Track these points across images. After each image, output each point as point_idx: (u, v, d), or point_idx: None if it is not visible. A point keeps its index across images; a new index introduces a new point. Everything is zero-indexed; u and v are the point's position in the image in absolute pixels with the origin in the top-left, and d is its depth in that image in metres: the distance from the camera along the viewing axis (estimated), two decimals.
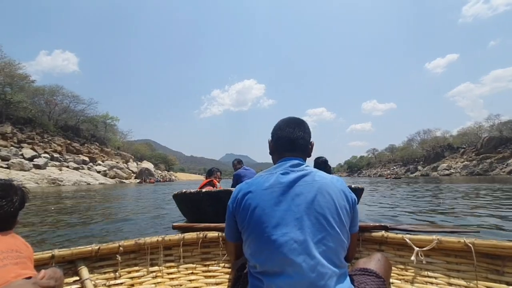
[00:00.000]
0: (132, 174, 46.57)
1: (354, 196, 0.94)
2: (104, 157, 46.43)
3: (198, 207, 3.62)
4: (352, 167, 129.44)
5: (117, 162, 45.71)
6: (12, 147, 26.93)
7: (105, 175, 38.66)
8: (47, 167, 27.85)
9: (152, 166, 56.34)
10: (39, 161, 27.39)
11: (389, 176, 56.09)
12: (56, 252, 1.20)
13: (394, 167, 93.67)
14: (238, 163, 5.17)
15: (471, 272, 1.13)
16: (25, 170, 24.18)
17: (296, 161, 0.96)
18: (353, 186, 4.09)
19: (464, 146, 69.88)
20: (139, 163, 55.99)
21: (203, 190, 3.53)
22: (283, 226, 0.82)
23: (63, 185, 24.69)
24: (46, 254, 1.18)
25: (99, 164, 41.17)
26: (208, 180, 4.21)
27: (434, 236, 1.22)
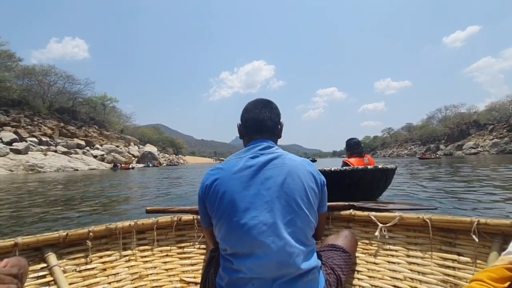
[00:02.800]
0: (133, 158, 43.98)
1: (323, 178, 0.96)
2: (103, 140, 43.81)
3: None
4: (366, 148, 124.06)
5: (117, 146, 43.02)
6: None
7: (102, 159, 36.07)
8: (29, 152, 25.16)
9: (156, 149, 53.49)
10: (19, 145, 24.72)
11: (425, 155, 45.73)
12: (20, 239, 1.15)
13: (412, 146, 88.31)
14: None
15: (427, 244, 1.22)
16: (0, 156, 21.42)
17: (265, 144, 0.96)
18: (381, 166, 3.56)
19: (492, 122, 63.58)
20: (141, 146, 53.17)
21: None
22: (253, 210, 0.83)
23: (44, 171, 21.89)
24: (9, 242, 1.13)
25: (97, 148, 38.59)
26: None
27: (396, 213, 1.31)
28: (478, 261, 1.08)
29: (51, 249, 1.23)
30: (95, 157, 35.38)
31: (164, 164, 48.58)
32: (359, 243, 1.36)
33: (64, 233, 1.25)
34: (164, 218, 1.52)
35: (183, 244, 1.54)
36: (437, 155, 44.25)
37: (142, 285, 1.32)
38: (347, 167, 3.56)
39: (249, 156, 0.92)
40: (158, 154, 59.08)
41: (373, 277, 1.26)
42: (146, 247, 1.46)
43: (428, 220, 1.21)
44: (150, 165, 39.74)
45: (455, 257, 1.14)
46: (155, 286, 1.34)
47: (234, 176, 0.88)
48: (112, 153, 38.38)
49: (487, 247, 1.08)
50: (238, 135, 1.07)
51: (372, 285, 1.24)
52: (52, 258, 1.20)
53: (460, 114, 72.92)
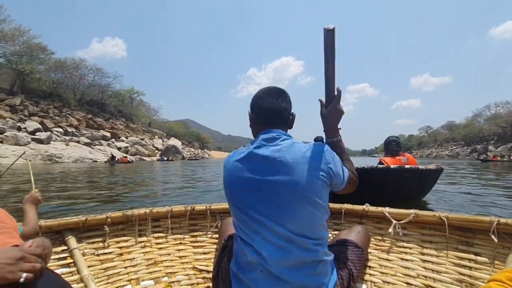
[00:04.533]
0: (157, 151, 43.91)
1: (328, 158, 0.88)
2: (128, 133, 44.27)
3: None
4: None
5: (141, 139, 43.21)
6: (10, 119, 24.47)
7: (126, 151, 36.11)
8: (51, 142, 25.25)
9: (180, 143, 53.27)
10: (42, 135, 24.82)
11: (496, 157, 31.60)
12: (43, 222, 1.20)
13: (454, 147, 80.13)
14: None
15: (443, 243, 1.20)
16: (20, 145, 21.50)
17: (273, 134, 0.92)
18: (428, 167, 3.39)
19: None
20: (165, 140, 53.28)
21: None
22: (253, 203, 0.85)
23: (61, 162, 21.61)
24: None
25: (122, 140, 38.83)
26: None
27: (411, 210, 1.28)
28: (497, 262, 1.05)
29: (71, 233, 1.28)
30: (119, 149, 35.47)
31: (179, 158, 47.96)
32: (372, 239, 1.33)
33: (84, 218, 1.30)
34: (178, 207, 1.55)
35: (196, 233, 1.56)
36: (510, 157, 32.13)
37: (157, 271, 1.34)
38: (368, 165, 3.36)
39: (253, 146, 0.91)
40: (183, 148, 59.35)
41: (386, 273, 1.23)
42: (161, 234, 1.50)
43: (444, 219, 1.18)
44: (165, 159, 38.59)
45: (472, 256, 1.11)
46: (169, 273, 1.35)
47: (235, 165, 0.90)
48: (136, 146, 38.38)
49: (507, 248, 1.05)
50: (249, 125, 1.03)
51: (384, 281, 1.21)
52: (72, 241, 1.26)
53: None
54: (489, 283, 0.66)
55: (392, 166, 3.31)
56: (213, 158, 74.50)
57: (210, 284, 1.27)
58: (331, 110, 1.04)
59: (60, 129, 29.94)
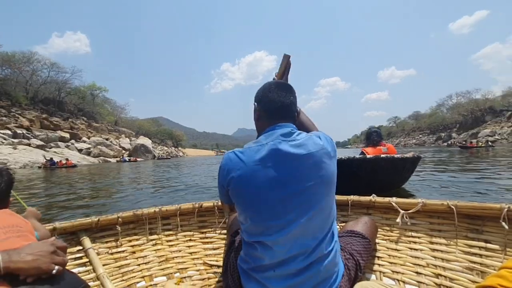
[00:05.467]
0: (124, 152, 40.96)
1: (336, 152, 0.92)
2: (91, 132, 40.77)
3: None
4: None
5: (106, 139, 39.96)
6: None
7: (88, 153, 33.07)
8: None
9: (150, 142, 50.23)
10: None
11: (472, 143, 30.58)
12: (58, 224, 1.25)
13: (420, 135, 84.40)
14: None
15: (452, 231, 1.19)
16: None
17: (288, 129, 0.90)
18: (405, 155, 3.50)
19: (509, 109, 59.33)
20: (133, 139, 50.03)
21: None
22: (276, 208, 0.82)
23: (7, 168, 18.71)
24: (48, 227, 1.21)
25: (83, 141, 35.56)
26: None
27: (419, 200, 1.27)
28: (508, 249, 1.03)
29: (85, 233, 1.33)
30: (79, 150, 32.38)
31: (150, 158, 45.37)
32: (379, 229, 1.33)
33: (96, 219, 1.34)
34: (186, 205, 1.59)
35: (205, 230, 1.60)
36: (489, 143, 29.28)
37: (169, 267, 1.39)
38: (346, 156, 3.47)
39: (272, 143, 0.86)
40: (156, 147, 56.29)
41: (394, 263, 1.23)
42: (171, 232, 1.54)
43: (453, 207, 1.16)
44: (127, 160, 35.25)
45: (482, 244, 1.10)
46: (180, 269, 1.40)
47: (257, 167, 0.84)
48: (99, 146, 35.35)
49: None
50: (254, 119, 1.00)
51: (393, 271, 1.21)
52: (86, 241, 1.30)
53: (475, 100, 68.31)
54: (500, 271, 0.65)
55: (368, 156, 3.43)
56: (188, 156, 72.31)
57: (221, 279, 1.28)
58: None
59: (8, 131, 26.46)
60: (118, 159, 35.38)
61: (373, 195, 1.43)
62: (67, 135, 34.24)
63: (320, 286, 0.83)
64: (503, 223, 1.04)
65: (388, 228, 1.35)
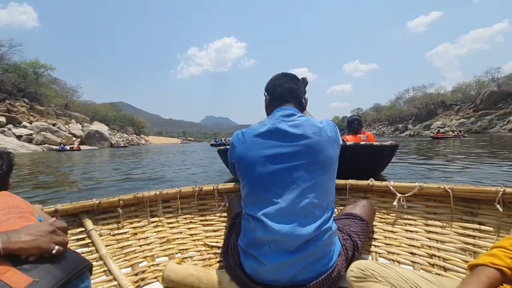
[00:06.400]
0: (74, 139, 36.79)
1: (339, 137, 0.99)
2: (34, 116, 35.82)
3: None
4: None
5: (53, 124, 35.43)
6: None
7: (29, 140, 28.92)
8: None
9: (106, 128, 45.90)
10: None
11: (439, 134, 29.39)
12: (59, 206, 1.26)
13: (380, 126, 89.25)
14: None
15: (447, 214, 1.22)
16: None
17: (289, 111, 0.98)
18: (384, 143, 3.68)
19: (458, 103, 64.80)
20: (86, 124, 45.28)
21: None
22: (276, 180, 0.87)
23: (8, 150, 15.16)
24: (50, 208, 1.24)
25: (24, 126, 31.03)
26: None
27: (416, 183, 1.29)
28: (501, 231, 1.07)
29: (87, 215, 1.35)
30: (18, 137, 28.16)
31: (106, 146, 41.68)
32: (377, 212, 1.36)
33: (97, 201, 1.36)
34: (186, 188, 1.60)
35: (205, 213, 1.62)
36: (460, 133, 28.10)
37: (170, 248, 1.42)
38: None
39: (271, 122, 0.95)
40: (114, 134, 51.84)
41: (390, 244, 1.27)
42: (171, 214, 1.56)
43: (449, 190, 1.18)
44: (67, 148, 29.52)
45: (476, 226, 1.13)
46: (181, 249, 1.43)
47: (254, 140, 0.92)
48: (43, 132, 31.20)
49: (511, 217, 1.07)
50: (265, 107, 1.11)
51: (388, 252, 1.25)
52: (88, 223, 1.32)
53: (429, 94, 73.52)
54: (492, 250, 0.68)
55: (348, 143, 3.55)
56: (152, 144, 68.31)
57: (221, 259, 1.33)
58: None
59: None
60: (57, 147, 29.87)
61: (371, 179, 1.44)
62: (3, 119, 29.55)
63: (316, 264, 0.85)
64: (498, 206, 1.06)
65: (385, 211, 1.39)
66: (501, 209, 1.06)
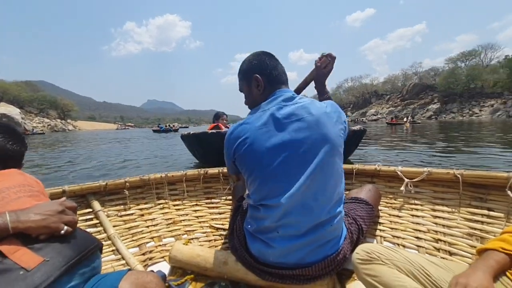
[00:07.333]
0: None
1: (344, 120, 0.96)
2: None
3: (207, 148, 3.96)
4: None
5: None
6: None
7: None
8: None
9: (18, 111, 37.82)
10: None
11: (394, 119, 29.79)
12: (67, 187, 1.28)
13: None
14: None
15: (455, 199, 1.20)
16: None
17: (289, 94, 0.94)
18: (352, 128, 3.93)
19: (388, 93, 72.25)
20: None
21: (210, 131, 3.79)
22: (282, 165, 0.84)
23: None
24: (57, 189, 1.25)
25: None
26: (214, 124, 4.16)
27: (425, 169, 1.27)
28: (510, 217, 1.06)
29: (94, 197, 1.37)
30: None
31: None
32: (382, 197, 1.36)
33: (104, 183, 1.37)
34: (192, 171, 1.61)
35: (210, 195, 1.64)
36: (411, 120, 28.81)
37: (176, 229, 1.44)
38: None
39: (274, 108, 0.89)
40: (32, 119, 43.23)
41: (396, 228, 1.26)
42: (177, 197, 1.58)
43: (459, 176, 1.17)
44: None
45: (485, 212, 1.12)
46: (187, 231, 1.44)
47: (260, 131, 0.87)
48: None
49: None
50: (254, 89, 0.97)
51: (394, 236, 1.24)
52: (96, 204, 1.34)
53: (364, 84, 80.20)
54: (503, 235, 0.69)
55: (352, 128, 3.89)
56: (82, 131, 59.75)
57: (227, 240, 1.29)
58: (327, 72, 1.15)
59: None
60: None
61: (378, 163, 1.44)
62: None
63: (323, 247, 0.87)
64: (509, 192, 1.05)
65: (391, 196, 1.38)
66: (511, 195, 1.03)
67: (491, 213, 1.10)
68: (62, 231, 0.63)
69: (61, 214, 0.66)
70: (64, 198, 0.72)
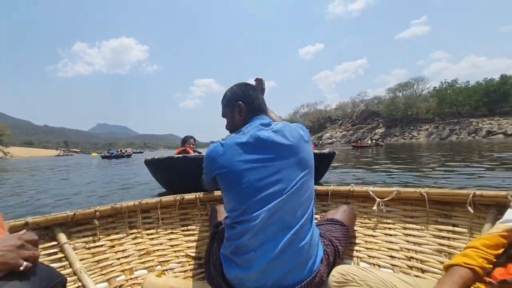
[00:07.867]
0: None
1: (308, 136, 1.02)
2: None
3: (172, 174, 3.64)
4: None
5: None
6: None
7: None
8: None
9: None
10: None
11: (359, 142, 34.29)
12: (30, 219, 1.20)
13: None
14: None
15: (423, 217, 1.26)
16: None
17: (266, 120, 1.02)
18: (323, 151, 4.12)
19: (340, 118, 77.99)
20: None
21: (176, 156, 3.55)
22: (263, 186, 0.88)
23: None
24: (19, 221, 1.17)
25: None
26: (182, 148, 3.98)
27: (394, 188, 1.33)
28: (473, 232, 1.11)
29: (60, 228, 1.28)
30: None
31: None
32: (358, 217, 1.38)
33: (72, 213, 1.29)
34: (167, 198, 1.55)
35: (186, 222, 1.57)
36: (377, 142, 31.43)
37: (150, 260, 1.37)
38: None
39: (253, 130, 0.96)
40: None
41: (371, 248, 1.29)
42: (151, 225, 1.50)
43: (425, 194, 1.23)
44: None
45: (450, 228, 1.17)
46: (162, 261, 1.39)
47: (240, 150, 0.91)
48: None
49: (482, 218, 1.11)
50: (237, 115, 1.06)
51: (369, 256, 1.27)
52: (62, 236, 1.25)
53: (319, 110, 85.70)
54: (465, 250, 0.73)
55: (322, 151, 4.10)
56: (15, 158, 51.92)
57: (203, 270, 1.28)
58: (262, 91, 1.33)
59: None
60: None
61: (352, 184, 1.47)
62: None
63: (300, 268, 0.87)
64: (469, 208, 1.11)
65: (365, 216, 1.40)
66: (472, 211, 1.10)
67: (456, 228, 1.15)
68: (22, 267, 0.59)
69: (20, 249, 0.61)
70: (23, 231, 0.67)
